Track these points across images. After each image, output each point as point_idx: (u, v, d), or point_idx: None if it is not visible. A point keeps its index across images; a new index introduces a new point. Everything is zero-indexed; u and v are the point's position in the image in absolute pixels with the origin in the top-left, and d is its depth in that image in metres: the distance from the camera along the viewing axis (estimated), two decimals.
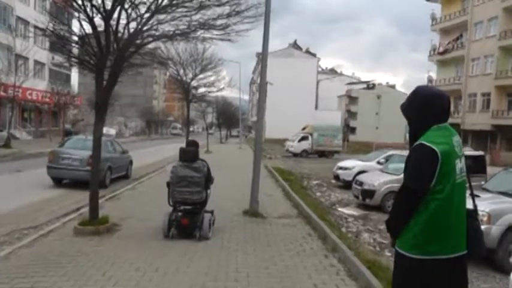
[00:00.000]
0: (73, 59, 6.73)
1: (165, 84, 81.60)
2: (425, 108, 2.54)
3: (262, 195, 8.78)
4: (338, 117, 67.52)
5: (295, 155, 32.79)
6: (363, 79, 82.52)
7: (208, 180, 6.39)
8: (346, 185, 14.31)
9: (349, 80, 77.47)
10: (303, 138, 33.64)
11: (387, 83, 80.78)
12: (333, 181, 15.97)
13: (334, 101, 75.32)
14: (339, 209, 10.72)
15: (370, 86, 73.78)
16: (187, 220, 6.23)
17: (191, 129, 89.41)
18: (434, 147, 2.42)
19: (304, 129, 35.87)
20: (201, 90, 21.32)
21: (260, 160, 8.11)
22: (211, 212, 6.69)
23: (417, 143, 2.50)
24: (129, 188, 10.85)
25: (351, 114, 71.87)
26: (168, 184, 6.29)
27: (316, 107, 71.60)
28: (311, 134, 33.80)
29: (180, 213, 6.28)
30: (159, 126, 75.11)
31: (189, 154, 6.30)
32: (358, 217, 9.63)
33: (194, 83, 19.15)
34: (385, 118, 65.70)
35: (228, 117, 48.59)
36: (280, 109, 63.73)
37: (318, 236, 6.56)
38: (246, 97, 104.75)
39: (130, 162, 13.99)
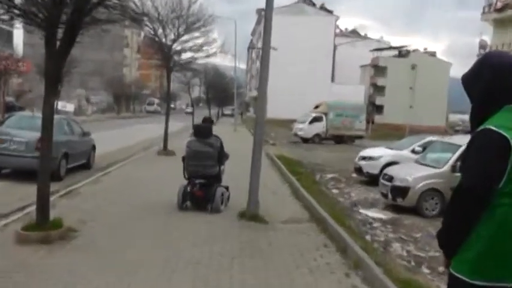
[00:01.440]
0: (15, 11, 6.27)
1: (138, 48, 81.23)
2: (496, 82, 2.37)
3: (263, 193, 8.91)
4: (361, 92, 67.62)
5: (305, 140, 33.06)
6: (393, 44, 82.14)
7: (221, 155, 8.36)
8: (371, 180, 14.52)
9: (376, 45, 77.01)
10: (316, 120, 33.65)
11: (425, 49, 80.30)
12: (354, 175, 16.17)
13: (355, 72, 75.15)
14: (362, 211, 10.87)
15: (402, 53, 73.45)
16: (202, 192, 8.16)
17: (172, 105, 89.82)
18: (505, 134, 2.22)
19: (317, 107, 35.75)
20: (186, 56, 20.99)
21: (261, 147, 8.11)
22: (226, 188, 8.61)
23: (482, 127, 2.31)
24: (91, 181, 10.99)
25: (378, 89, 71.77)
26: (183, 158, 8.39)
27: (332, 80, 71.59)
28: (326, 114, 33.81)
29: (195, 186, 8.18)
30: (131, 101, 75.03)
31: (204, 130, 8.37)
32: (387, 222, 9.78)
33: (177, 47, 18.82)
34: (421, 94, 65.45)
35: (219, 91, 48.44)
36: (287, 82, 63.56)
37: (336, 247, 6.57)
38: (243, 66, 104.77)
39: (93, 148, 14.19)
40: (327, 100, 40.03)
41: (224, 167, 8.70)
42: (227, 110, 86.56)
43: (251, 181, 7.89)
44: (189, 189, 8.29)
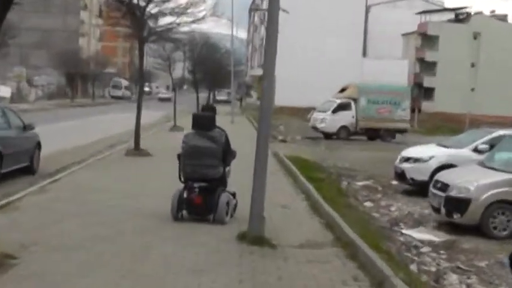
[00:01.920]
0: None
1: (100, 11, 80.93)
2: None
3: (270, 207, 9.15)
4: (403, 70, 67.31)
5: (327, 135, 33.42)
6: (447, 5, 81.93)
7: (226, 152, 8.97)
8: (418, 190, 14.60)
9: (424, 7, 76.77)
10: (341, 108, 33.84)
11: (492, 11, 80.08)
12: (394, 182, 16.35)
13: (396, 43, 75.04)
14: (406, 231, 10.90)
15: (461, 18, 73.28)
16: (201, 199, 8.77)
17: (147, 89, 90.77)
18: None
19: (343, 91, 35.79)
20: (165, 21, 21.01)
21: (267, 145, 8.22)
22: (233, 194, 9.26)
23: None
24: (34, 190, 11.14)
25: (426, 66, 71.84)
26: (179, 156, 8.97)
27: (364, 54, 71.63)
28: (355, 100, 33.96)
29: (193, 191, 8.82)
30: (91, 83, 75.21)
31: (204, 120, 8.96)
32: (440, 246, 9.79)
33: (152, 9, 18.83)
34: (487, 73, 65.07)
35: (211, 68, 48.42)
36: (302, 57, 63.60)
37: (370, 280, 6.60)
38: (243, 34, 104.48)
39: (38, 146, 14.38)
40: (358, 81, 40.06)
41: (230, 168, 9.32)
42: (221, 95, 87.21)
43: (254, 191, 8.01)
44: (185, 194, 8.88)
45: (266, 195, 8.19)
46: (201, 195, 8.86)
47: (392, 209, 12.93)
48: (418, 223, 11.54)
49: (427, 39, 70.93)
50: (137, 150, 18.20)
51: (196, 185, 8.92)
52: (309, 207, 11.11)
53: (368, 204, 13.31)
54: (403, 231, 10.82)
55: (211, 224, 8.73)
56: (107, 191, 11.45)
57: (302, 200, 11.90)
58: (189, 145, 8.92)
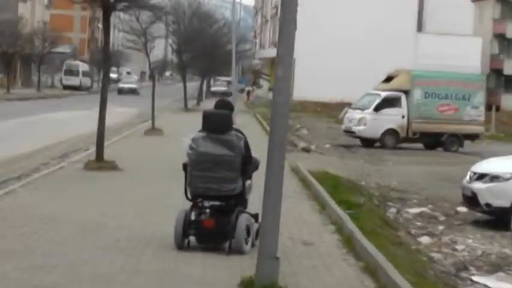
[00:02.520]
0: None
1: None
2: None
3: (287, 243, 9.50)
4: (475, 51, 66.57)
5: (367, 142, 33.65)
6: None
7: (246, 162, 9.52)
8: (496, 219, 14.50)
9: None
10: (387, 103, 33.86)
11: None
12: (462, 208, 16.23)
13: (465, 13, 74.71)
14: (478, 278, 10.67)
15: None
16: (214, 222, 9.29)
17: (114, 75, 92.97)
18: None
19: (389, 80, 35.69)
20: None
21: (283, 155, 8.12)
22: (254, 216, 9.75)
23: None
24: None
25: (508, 46, 71.56)
26: (185, 167, 9.54)
27: (419, 28, 71.27)
28: (406, 93, 33.95)
29: (204, 212, 9.49)
30: (35, 67, 75.19)
31: (218, 120, 9.51)
32: None
33: None
34: None
35: (204, 48, 48.42)
36: (331, 34, 63.43)
37: None
38: (249, 0, 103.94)
39: None
40: (409, 67, 39.89)
41: (251, 182, 9.97)
42: (218, 85, 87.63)
43: (264, 221, 8.06)
44: (193, 216, 9.49)
45: (281, 226, 8.16)
46: (214, 217, 9.39)
47: (459, 247, 12.72)
48: (495, 267, 11.35)
49: (510, 6, 70.71)
50: (100, 161, 18.22)
51: (207, 203, 9.50)
52: (341, 243, 11.07)
53: (425, 240, 13.13)
54: (474, 278, 10.66)
55: (227, 254, 9.22)
56: (57, 220, 11.45)
57: (331, 233, 11.86)
58: (199, 152, 9.39)
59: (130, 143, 25.95)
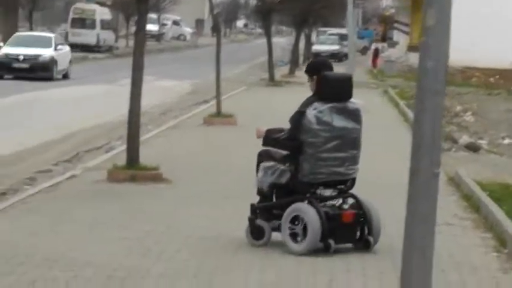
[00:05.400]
0: None
1: None
2: None
3: None
4: None
5: None
6: None
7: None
8: None
9: None
10: None
11: None
12: None
13: None
14: None
15: None
16: (353, 214, 9.48)
17: (153, 26, 77.91)
18: None
19: None
20: None
21: (437, 157, 6.28)
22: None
23: None
24: None
25: None
26: (299, 147, 9.39)
27: None
28: None
29: (343, 204, 9.69)
30: (24, 14, 59.19)
31: (344, 84, 9.77)
32: None
33: None
34: None
35: None
36: None
37: None
38: None
39: None
40: None
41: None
42: (324, 42, 68.68)
43: (406, 263, 6.40)
44: (330, 212, 9.33)
45: (436, 272, 6.33)
46: (352, 208, 9.50)
47: None
48: None
49: None
50: (133, 167, 14.61)
51: (330, 192, 9.54)
52: None
53: None
54: None
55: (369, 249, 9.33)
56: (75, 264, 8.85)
57: None
58: (334, 127, 9.30)
59: (181, 137, 21.38)
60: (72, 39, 64.83)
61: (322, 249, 9.09)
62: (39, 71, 39.75)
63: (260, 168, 9.59)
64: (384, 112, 29.32)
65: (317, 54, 59.09)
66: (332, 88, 9.40)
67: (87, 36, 66.07)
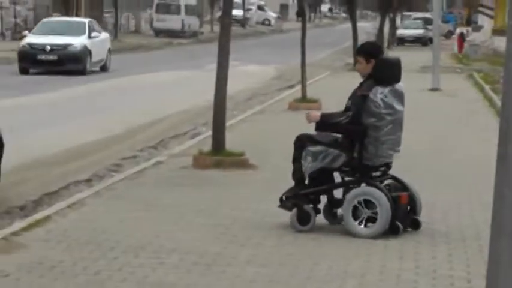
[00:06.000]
0: None
1: None
2: None
3: None
4: None
5: None
6: None
7: None
8: None
9: None
10: None
11: None
12: None
13: None
14: None
15: None
16: (408, 196, 9.68)
17: (238, 12, 73.91)
18: None
19: None
20: None
21: None
22: None
23: None
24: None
25: None
26: (364, 131, 9.51)
27: None
28: None
29: (398, 185, 9.87)
30: (110, 0, 59.72)
31: (400, 68, 10.01)
32: None
33: None
34: None
35: None
36: None
37: None
38: None
39: None
40: None
41: None
42: (409, 26, 66.07)
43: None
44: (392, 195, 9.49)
45: None
46: (404, 190, 9.65)
47: None
48: None
49: None
50: (219, 153, 14.38)
51: (387, 178, 9.70)
52: None
53: None
54: None
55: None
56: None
57: None
58: (396, 110, 9.51)
59: (266, 122, 21.09)
60: (157, 24, 65.50)
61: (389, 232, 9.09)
62: (68, 63, 33.63)
63: (306, 153, 9.42)
64: (469, 96, 28.66)
65: (402, 39, 59.74)
66: (392, 72, 9.61)
67: (172, 22, 64.82)
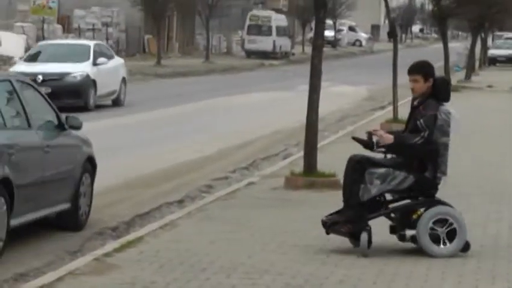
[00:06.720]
0: None
1: None
2: None
3: None
4: None
5: None
6: None
7: None
8: None
9: None
10: None
11: None
12: None
13: None
14: None
15: None
16: None
17: (329, 33, 70.66)
18: None
19: None
20: None
21: None
22: None
23: None
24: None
25: None
26: (433, 151, 9.54)
27: None
28: None
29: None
30: (202, 22, 56.64)
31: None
32: None
33: None
34: None
35: None
36: None
37: None
38: None
39: (89, 167, 12.37)
40: None
41: None
42: (501, 47, 65.29)
43: None
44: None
45: None
46: None
47: None
48: None
49: None
50: (311, 174, 14.32)
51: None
52: None
53: None
54: None
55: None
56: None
57: None
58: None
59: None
60: (249, 45, 65.56)
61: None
62: (66, 97, 25.98)
63: (372, 175, 9.32)
64: None
65: (493, 59, 59.34)
66: (448, 91, 9.82)
67: (263, 43, 64.74)
